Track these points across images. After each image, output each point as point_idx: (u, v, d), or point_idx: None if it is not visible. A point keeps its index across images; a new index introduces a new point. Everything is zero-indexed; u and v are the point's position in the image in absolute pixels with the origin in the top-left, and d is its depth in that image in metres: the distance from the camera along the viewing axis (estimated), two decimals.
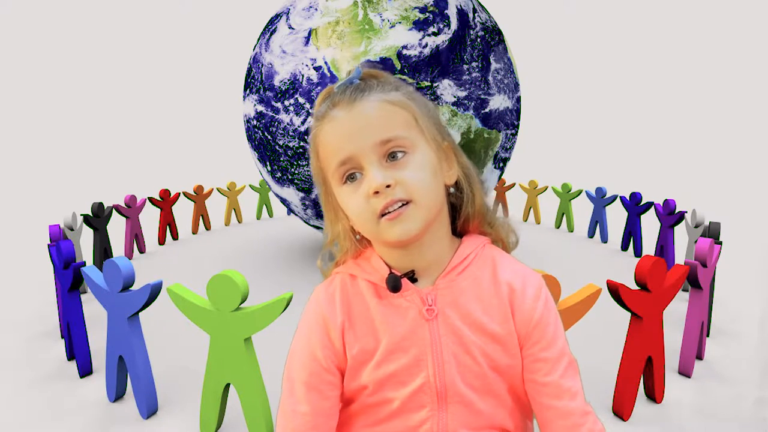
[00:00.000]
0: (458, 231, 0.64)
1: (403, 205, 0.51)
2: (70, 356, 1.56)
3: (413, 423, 0.56)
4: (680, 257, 2.59)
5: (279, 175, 2.25)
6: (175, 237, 3.17)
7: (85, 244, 2.66)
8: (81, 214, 2.38)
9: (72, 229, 2.23)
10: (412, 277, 0.57)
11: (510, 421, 0.59)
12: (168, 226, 3.13)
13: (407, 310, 0.57)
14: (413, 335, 0.56)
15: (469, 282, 0.58)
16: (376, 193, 0.51)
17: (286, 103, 2.05)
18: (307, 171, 2.10)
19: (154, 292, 1.19)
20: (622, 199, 2.87)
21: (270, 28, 2.26)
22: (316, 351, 0.58)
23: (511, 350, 0.57)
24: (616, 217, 3.19)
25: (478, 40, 2.06)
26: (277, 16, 2.26)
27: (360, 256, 0.62)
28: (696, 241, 1.60)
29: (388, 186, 0.51)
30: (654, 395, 1.28)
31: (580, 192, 3.30)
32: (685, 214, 2.35)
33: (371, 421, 0.59)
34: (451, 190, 0.60)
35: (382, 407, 0.58)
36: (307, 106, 1.99)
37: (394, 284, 0.56)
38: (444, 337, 0.56)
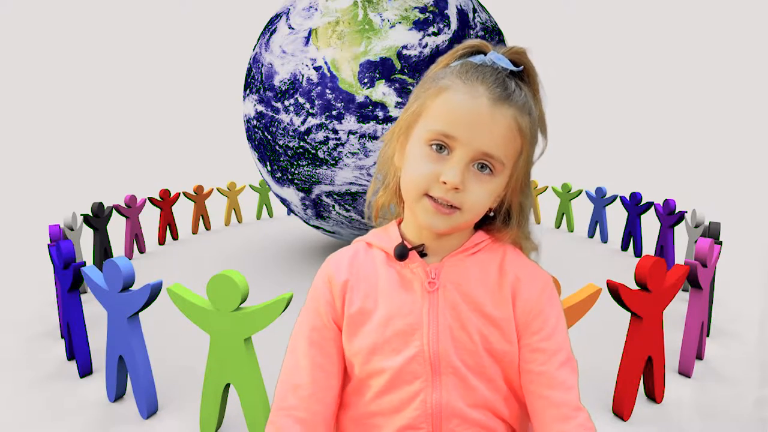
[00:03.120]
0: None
1: (452, 207, 0.54)
2: (70, 356, 1.56)
3: (407, 396, 0.57)
4: (680, 257, 2.59)
5: (279, 175, 2.25)
6: (175, 237, 3.17)
7: (85, 244, 2.66)
8: (81, 214, 2.38)
9: (72, 229, 2.23)
10: (421, 251, 0.59)
11: (505, 410, 0.59)
12: (168, 226, 3.13)
13: (411, 281, 0.59)
14: (412, 304, 0.58)
15: (475, 266, 0.59)
16: (445, 183, 0.53)
17: (286, 103, 2.05)
18: (307, 171, 2.10)
19: (154, 292, 1.19)
20: (622, 199, 2.87)
21: (270, 28, 2.26)
22: (320, 307, 0.61)
23: (508, 336, 0.57)
24: (616, 217, 3.19)
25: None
26: (277, 16, 2.26)
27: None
28: (696, 241, 1.61)
29: (457, 188, 0.53)
30: (654, 395, 1.28)
31: (580, 192, 3.30)
32: (685, 214, 2.35)
33: (365, 400, 0.60)
34: (491, 213, 0.62)
35: (374, 380, 0.58)
36: (307, 106, 1.99)
37: (400, 252, 0.58)
38: (442, 310, 0.57)
